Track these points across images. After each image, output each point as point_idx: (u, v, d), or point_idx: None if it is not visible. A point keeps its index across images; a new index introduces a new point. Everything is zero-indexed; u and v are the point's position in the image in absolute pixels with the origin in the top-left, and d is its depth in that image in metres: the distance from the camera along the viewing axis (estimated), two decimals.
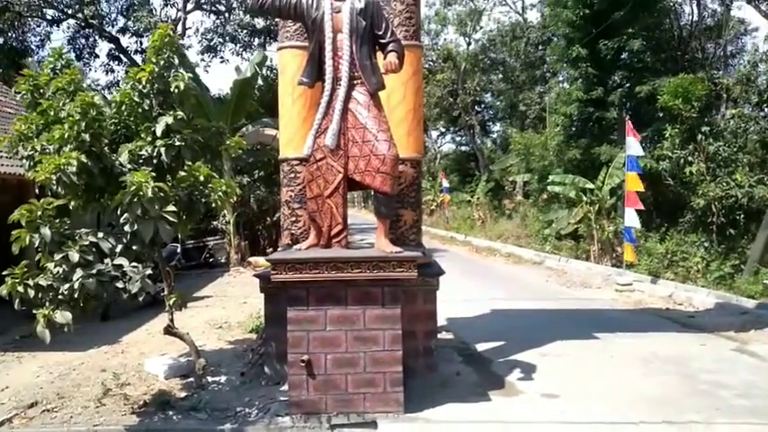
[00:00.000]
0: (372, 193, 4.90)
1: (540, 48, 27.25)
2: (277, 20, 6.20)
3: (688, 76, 14.25)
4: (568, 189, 15.34)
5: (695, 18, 19.68)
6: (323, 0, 4.75)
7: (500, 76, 31.78)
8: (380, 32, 4.80)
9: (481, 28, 31.71)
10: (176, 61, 4.79)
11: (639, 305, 9.93)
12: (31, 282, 3.83)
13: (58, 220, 4.12)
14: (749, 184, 12.38)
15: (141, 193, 3.98)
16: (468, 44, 32.37)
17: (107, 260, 4.11)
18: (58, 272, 3.87)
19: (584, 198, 14.89)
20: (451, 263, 12.25)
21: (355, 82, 4.77)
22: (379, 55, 4.90)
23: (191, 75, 4.94)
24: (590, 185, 14.90)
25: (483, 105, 35.17)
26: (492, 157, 30.30)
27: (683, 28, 19.61)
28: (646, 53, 15.82)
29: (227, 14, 20.60)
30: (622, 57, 16.44)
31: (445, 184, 29.05)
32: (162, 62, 4.72)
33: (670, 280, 11.43)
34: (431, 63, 32.15)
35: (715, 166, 13.23)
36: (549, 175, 17.12)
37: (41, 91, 4.95)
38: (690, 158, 13.27)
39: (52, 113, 4.62)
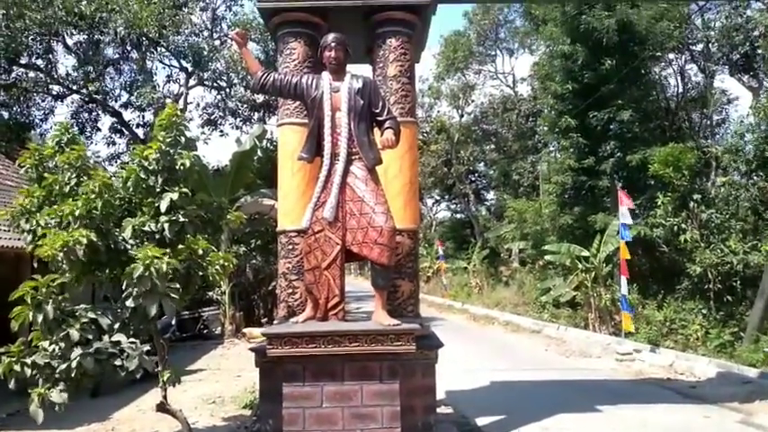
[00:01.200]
0: (369, 263, 4.93)
1: (531, 119, 28.02)
2: (278, 98, 6.41)
3: (678, 145, 14.63)
4: (563, 257, 15.40)
5: (680, 90, 20.41)
6: (322, 80, 4.94)
7: (492, 146, 32.48)
8: (377, 110, 4.97)
9: (473, 101, 32.71)
10: (182, 139, 4.93)
11: (640, 375, 9.78)
12: (28, 360, 3.79)
13: (60, 297, 4.12)
14: (743, 250, 12.48)
15: (153, 268, 4.01)
16: (461, 116, 33.28)
17: (105, 337, 4.08)
18: (53, 349, 3.83)
19: (580, 266, 14.92)
20: (450, 332, 12.13)
21: (353, 157, 4.89)
22: (377, 131, 5.06)
23: (195, 153, 5.05)
24: (585, 253, 14.96)
25: (477, 174, 35.77)
26: (487, 226, 30.53)
27: (670, 99, 20.29)
28: (635, 123, 16.24)
29: (228, 90, 21.25)
30: (612, 127, 16.84)
31: (441, 251, 29.13)
32: (168, 140, 4.86)
33: (670, 348, 11.32)
34: (425, 134, 32.90)
35: (708, 233, 13.36)
36: (544, 242, 17.21)
37: (45, 165, 5.06)
38: (683, 226, 13.42)
39: (57, 188, 4.70)
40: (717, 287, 12.67)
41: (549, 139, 21.30)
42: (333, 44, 4.91)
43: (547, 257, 16.29)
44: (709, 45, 18.54)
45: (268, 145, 19.09)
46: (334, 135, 4.85)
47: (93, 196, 4.35)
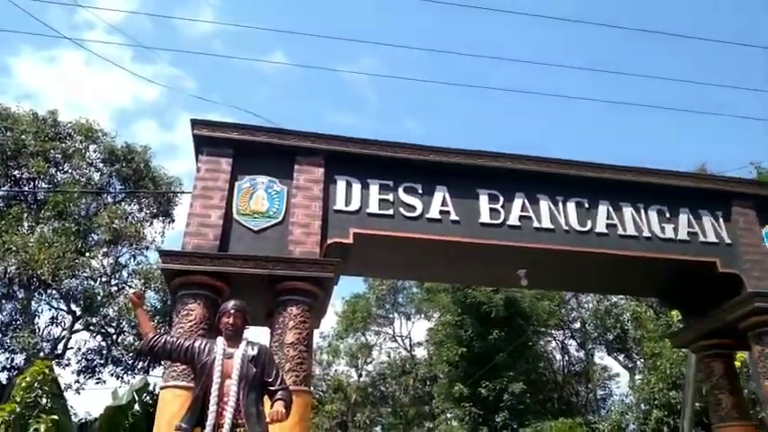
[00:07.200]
0: None
1: (428, 383, 28.11)
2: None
3: (567, 420, 14.93)
4: None
5: (564, 364, 21.61)
6: (216, 346, 4.80)
7: (390, 409, 31.69)
8: (270, 380, 4.79)
9: (372, 360, 32.73)
10: (44, 401, 4.45)
11: None
12: None
13: None
14: None
15: None
16: (359, 376, 32.87)
17: None
18: None
19: None
20: None
21: (238, 430, 4.55)
22: (268, 401, 4.82)
23: (54, 417, 4.52)
24: None
25: None
26: None
27: (557, 372, 21.30)
28: (526, 395, 16.63)
29: (115, 336, 20.11)
30: (504, 397, 17.11)
31: None
32: (28, 401, 4.37)
33: None
34: (321, 393, 31.85)
35: None
36: None
37: None
38: None
39: None
40: None
41: (445, 406, 21.17)
42: (232, 311, 4.88)
43: None
44: (586, 325, 20.32)
45: (148, 399, 17.53)
46: (221, 404, 4.56)
47: None
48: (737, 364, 10.27)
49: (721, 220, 7.94)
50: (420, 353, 31.20)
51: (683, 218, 7.83)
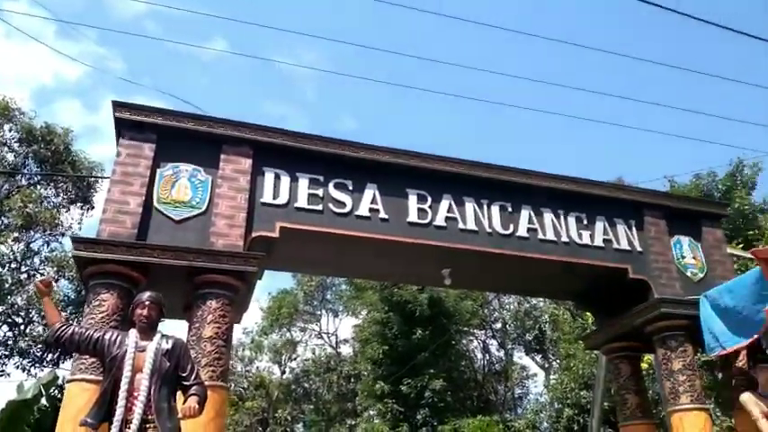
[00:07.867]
0: None
1: (352, 380, 28.18)
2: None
3: (485, 418, 15.33)
4: None
5: (485, 363, 22.20)
6: (128, 338, 4.61)
7: (312, 406, 31.53)
8: (184, 374, 4.66)
9: (297, 357, 32.44)
10: None
11: None
12: None
13: None
14: None
15: None
16: (283, 372, 32.50)
17: None
18: None
19: None
20: None
21: (148, 426, 4.39)
22: (181, 396, 4.67)
23: None
24: None
25: None
26: None
27: (477, 371, 21.85)
28: (447, 393, 16.99)
29: (23, 327, 18.96)
30: (426, 395, 17.42)
31: None
32: None
33: None
34: (242, 389, 31.28)
35: None
36: None
37: None
38: None
39: None
40: None
41: (367, 403, 21.31)
42: (147, 302, 4.70)
43: None
44: (506, 325, 20.96)
45: (57, 393, 16.64)
46: (130, 399, 4.38)
47: None
48: (644, 365, 10.82)
49: (634, 228, 8.35)
50: (346, 350, 31.20)
51: (599, 225, 8.18)
